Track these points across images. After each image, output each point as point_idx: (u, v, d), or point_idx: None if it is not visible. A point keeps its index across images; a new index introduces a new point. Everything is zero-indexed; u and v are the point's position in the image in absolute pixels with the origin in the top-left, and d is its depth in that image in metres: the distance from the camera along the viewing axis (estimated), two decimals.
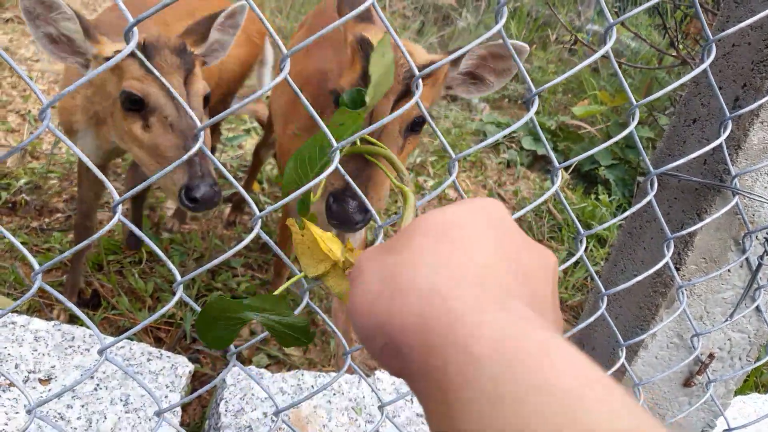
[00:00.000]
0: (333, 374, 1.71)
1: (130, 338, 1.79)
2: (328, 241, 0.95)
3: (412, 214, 0.86)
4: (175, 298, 1.03)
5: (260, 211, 1.00)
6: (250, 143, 3.75)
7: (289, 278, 0.99)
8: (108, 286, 2.32)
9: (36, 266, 0.94)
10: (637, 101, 1.09)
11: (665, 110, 4.64)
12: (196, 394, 1.11)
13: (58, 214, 2.70)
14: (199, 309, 1.07)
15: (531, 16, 7.03)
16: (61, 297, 0.96)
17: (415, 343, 0.44)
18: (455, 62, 1.45)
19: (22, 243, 2.44)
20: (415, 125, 1.40)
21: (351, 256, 0.96)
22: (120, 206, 0.94)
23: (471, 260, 0.47)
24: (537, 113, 4.15)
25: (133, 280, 2.34)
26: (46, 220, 2.66)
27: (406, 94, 1.30)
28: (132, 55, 1.36)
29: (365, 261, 0.53)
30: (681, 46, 2.50)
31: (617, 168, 4.18)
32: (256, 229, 1.02)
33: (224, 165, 3.36)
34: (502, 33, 0.98)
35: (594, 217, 3.63)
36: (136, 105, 1.45)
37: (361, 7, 0.88)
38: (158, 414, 1.09)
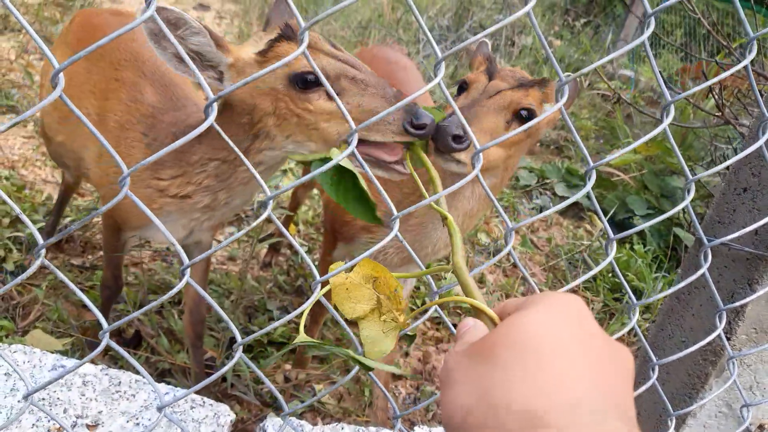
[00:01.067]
0: (372, 428, 1.71)
1: (173, 384, 1.81)
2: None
3: (460, 242, 0.88)
4: (234, 360, 1.05)
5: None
6: (287, 183, 3.81)
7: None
8: (149, 328, 2.35)
9: (105, 325, 0.97)
10: (683, 160, 1.10)
11: (701, 160, 4.62)
12: None
13: (101, 252, 2.76)
14: (257, 370, 1.09)
15: (564, 62, 7.09)
16: (130, 358, 0.99)
17: None
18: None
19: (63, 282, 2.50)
20: (522, 117, 1.55)
21: (400, 313, 0.98)
22: (188, 270, 0.98)
23: (561, 378, 0.49)
24: (569, 158, 4.14)
25: (173, 321, 2.37)
26: (90, 257, 2.72)
27: (517, 86, 1.56)
28: (286, 38, 1.38)
29: (455, 367, 0.56)
30: (723, 107, 2.51)
31: (653, 218, 4.14)
32: (316, 293, 1.04)
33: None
34: (563, 111, 1.00)
35: (629, 267, 3.59)
36: (309, 84, 1.36)
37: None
38: None
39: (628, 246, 3.94)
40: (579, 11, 8.75)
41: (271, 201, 0.96)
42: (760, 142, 1.10)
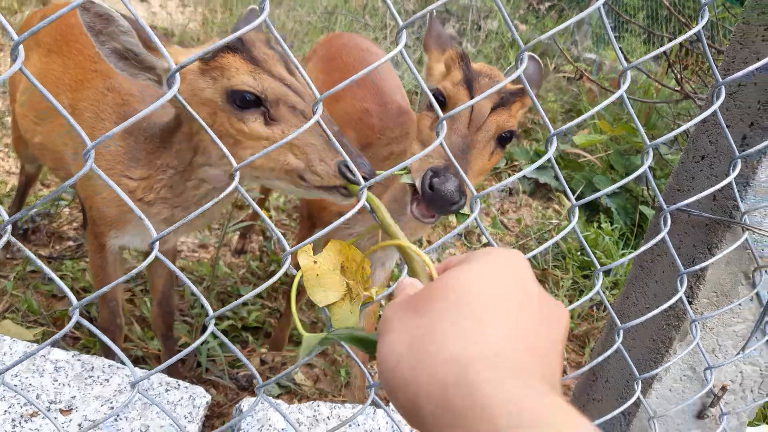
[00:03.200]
0: (348, 405, 1.73)
1: (140, 359, 1.81)
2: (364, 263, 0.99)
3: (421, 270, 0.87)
4: (208, 332, 1.05)
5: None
6: None
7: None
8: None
9: (74, 302, 0.97)
10: (646, 136, 1.13)
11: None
12: (222, 429, 1.13)
13: (70, 242, 2.72)
14: (230, 344, 1.10)
15: None
16: (101, 334, 0.99)
17: (436, 408, 0.48)
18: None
19: (32, 272, 2.47)
20: (503, 139, 1.50)
21: (366, 289, 1.00)
22: (157, 243, 0.98)
23: (492, 334, 0.50)
24: (537, 141, 4.19)
25: (146, 308, 2.36)
26: (57, 247, 2.69)
27: (500, 105, 1.46)
28: (232, 49, 1.29)
29: (392, 317, 0.57)
30: (683, 81, 2.56)
31: (619, 196, 4.23)
32: (286, 266, 1.05)
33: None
34: (522, 78, 1.02)
35: (597, 245, 3.66)
36: (248, 104, 1.29)
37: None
38: None
39: (596, 225, 4.01)
40: None
41: (237, 173, 0.96)
42: (715, 106, 1.13)
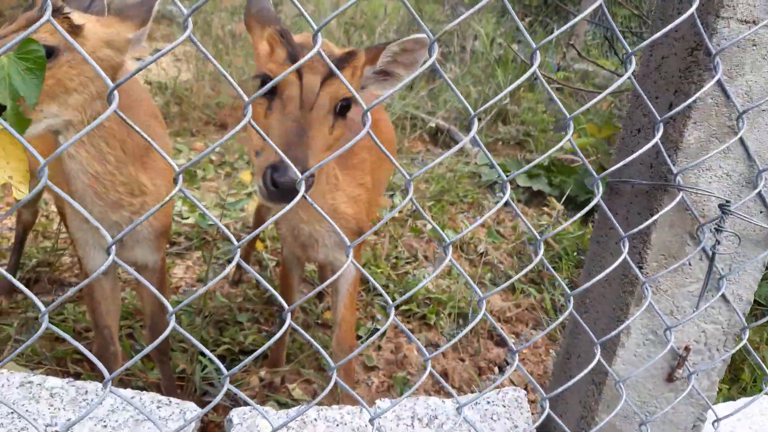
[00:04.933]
0: (335, 406, 1.78)
1: (140, 389, 1.88)
2: None
3: None
4: (171, 325, 1.13)
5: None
6: (252, 205, 3.90)
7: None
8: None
9: (42, 308, 1.05)
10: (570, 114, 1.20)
11: None
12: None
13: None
14: (223, 368, 1.16)
15: (516, 62, 7.26)
16: (69, 338, 1.06)
17: None
18: (372, 61, 1.57)
19: (35, 318, 2.56)
20: (342, 108, 1.48)
21: None
22: (113, 248, 1.06)
23: None
24: (530, 152, 4.24)
25: (146, 342, 2.43)
26: (60, 293, 2.79)
27: (330, 76, 1.43)
28: None
29: None
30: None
31: None
32: (236, 259, 1.13)
33: (227, 227, 3.49)
34: (417, 19, 1.11)
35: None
36: None
37: None
38: None
39: (591, 225, 4.06)
40: (527, 12, 8.98)
41: (180, 176, 1.04)
42: (627, 74, 1.21)
